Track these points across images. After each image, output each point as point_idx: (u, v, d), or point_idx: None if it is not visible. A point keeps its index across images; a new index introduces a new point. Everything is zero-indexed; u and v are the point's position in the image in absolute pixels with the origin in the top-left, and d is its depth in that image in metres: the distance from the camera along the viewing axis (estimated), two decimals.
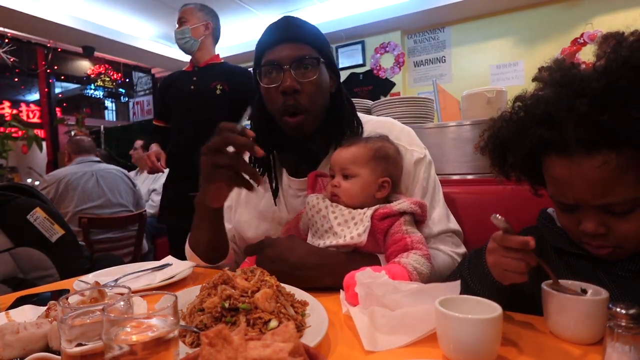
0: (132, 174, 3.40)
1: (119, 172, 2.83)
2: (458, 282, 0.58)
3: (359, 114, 1.04)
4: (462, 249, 0.92)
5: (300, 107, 0.90)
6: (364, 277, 0.65)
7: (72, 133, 4.49)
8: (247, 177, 0.78)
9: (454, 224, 0.94)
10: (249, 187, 0.79)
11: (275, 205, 1.01)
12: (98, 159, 2.84)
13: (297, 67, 0.89)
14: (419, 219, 0.84)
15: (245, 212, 1.05)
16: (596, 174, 0.56)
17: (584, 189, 0.58)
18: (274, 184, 1.00)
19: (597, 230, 0.60)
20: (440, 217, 0.93)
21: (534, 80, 0.67)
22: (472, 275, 0.66)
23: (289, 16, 0.95)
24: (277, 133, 0.99)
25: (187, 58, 2.32)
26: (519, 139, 0.65)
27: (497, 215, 0.57)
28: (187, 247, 1.01)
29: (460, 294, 0.57)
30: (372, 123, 1.03)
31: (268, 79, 0.92)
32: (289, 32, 0.92)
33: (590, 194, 0.58)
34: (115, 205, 2.68)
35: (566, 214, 0.65)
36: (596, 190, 0.57)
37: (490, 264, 0.62)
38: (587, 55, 3.73)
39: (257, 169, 0.99)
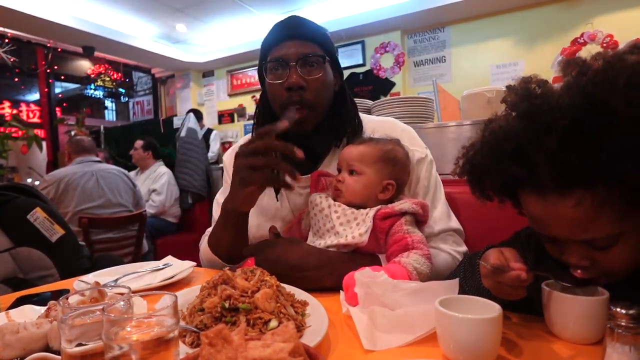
0: (132, 174, 3.40)
1: (119, 172, 2.83)
2: (456, 280, 0.59)
3: (361, 114, 1.04)
4: (463, 248, 0.92)
5: (305, 103, 0.91)
6: (363, 277, 0.65)
7: (72, 133, 4.49)
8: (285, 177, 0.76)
9: (454, 223, 0.95)
10: (288, 187, 0.77)
11: (277, 200, 1.01)
12: (98, 158, 2.84)
13: (303, 64, 0.90)
14: (420, 219, 0.84)
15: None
16: (571, 213, 0.53)
17: (561, 227, 0.56)
18: None
19: (580, 263, 0.58)
20: (442, 216, 0.93)
21: (502, 102, 0.63)
22: (468, 285, 0.67)
23: (296, 15, 0.96)
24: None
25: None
26: (492, 171, 0.62)
27: (483, 262, 0.59)
28: (203, 246, 1.00)
29: (459, 293, 0.57)
30: (373, 123, 1.03)
31: (273, 75, 0.93)
32: (295, 29, 0.92)
33: (567, 232, 0.56)
34: (115, 205, 2.68)
35: (549, 244, 0.63)
36: (573, 229, 0.55)
37: (486, 286, 0.62)
38: (587, 55, 3.72)
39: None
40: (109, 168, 2.82)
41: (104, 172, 2.72)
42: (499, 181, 0.63)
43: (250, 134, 1.04)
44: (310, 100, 0.91)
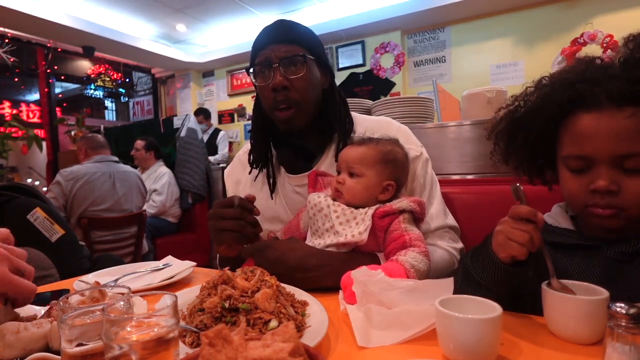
0: None
1: (135, 177, 2.82)
2: (451, 279, 0.59)
3: (356, 114, 1.06)
4: (460, 244, 0.94)
5: (291, 102, 0.93)
6: (359, 275, 0.65)
7: (72, 133, 4.48)
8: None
9: (451, 220, 0.96)
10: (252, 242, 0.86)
11: (272, 199, 1.02)
12: (116, 158, 2.82)
13: (286, 64, 0.93)
14: (418, 217, 0.85)
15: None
16: (623, 124, 0.60)
17: (608, 139, 0.61)
18: (271, 180, 1.03)
19: (609, 187, 0.61)
20: (438, 213, 0.95)
21: (550, 75, 0.72)
22: (474, 262, 0.65)
23: (282, 19, 0.99)
24: (273, 131, 1.03)
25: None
26: (545, 104, 0.68)
27: (518, 185, 0.61)
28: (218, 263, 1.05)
29: (461, 283, 0.57)
30: (369, 122, 1.05)
31: (261, 78, 0.96)
32: (279, 32, 0.96)
33: (613, 145, 0.61)
34: (123, 210, 2.68)
35: (577, 177, 0.66)
36: (620, 141, 0.60)
37: (496, 231, 0.62)
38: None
39: (256, 166, 1.04)
40: (127, 171, 2.80)
41: (122, 175, 2.71)
42: (544, 119, 0.68)
43: (250, 141, 1.07)
44: (296, 98, 0.93)
